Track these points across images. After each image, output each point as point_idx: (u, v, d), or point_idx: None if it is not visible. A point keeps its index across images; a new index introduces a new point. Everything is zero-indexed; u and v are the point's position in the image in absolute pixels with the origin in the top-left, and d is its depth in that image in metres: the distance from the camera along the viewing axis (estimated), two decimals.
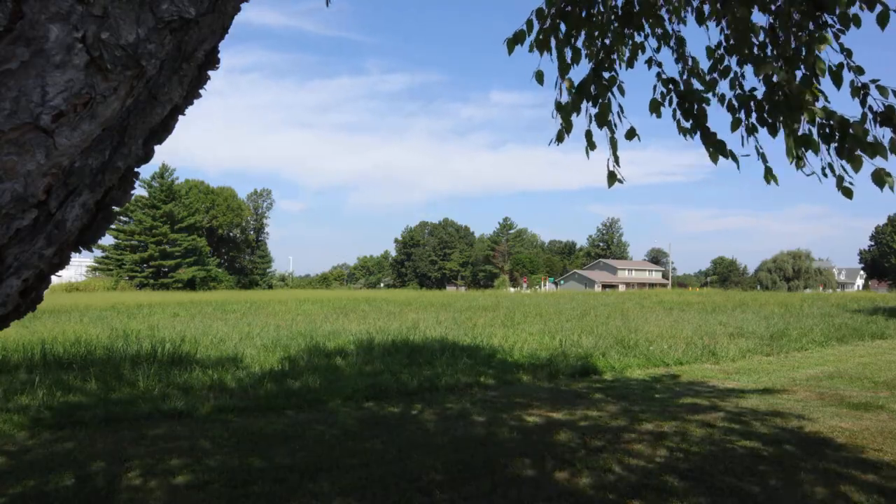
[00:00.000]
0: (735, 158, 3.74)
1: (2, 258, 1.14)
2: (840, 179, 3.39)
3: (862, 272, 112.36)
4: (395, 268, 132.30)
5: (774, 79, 3.54)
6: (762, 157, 3.91)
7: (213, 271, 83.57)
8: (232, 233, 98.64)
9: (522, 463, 5.29)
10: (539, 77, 3.99)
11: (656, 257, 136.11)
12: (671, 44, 4.21)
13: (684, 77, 4.07)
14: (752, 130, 3.83)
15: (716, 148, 3.72)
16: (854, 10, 3.50)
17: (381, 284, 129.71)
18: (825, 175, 3.48)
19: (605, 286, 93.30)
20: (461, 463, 5.27)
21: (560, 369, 10.18)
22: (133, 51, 1.12)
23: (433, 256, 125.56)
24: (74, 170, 1.18)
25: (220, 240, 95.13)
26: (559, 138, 4.03)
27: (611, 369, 10.77)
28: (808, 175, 3.57)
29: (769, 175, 3.87)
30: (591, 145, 3.96)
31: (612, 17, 4.05)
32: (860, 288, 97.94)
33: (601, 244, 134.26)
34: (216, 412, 7.17)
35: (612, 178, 3.79)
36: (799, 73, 3.62)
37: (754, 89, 3.81)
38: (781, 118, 3.58)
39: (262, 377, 9.10)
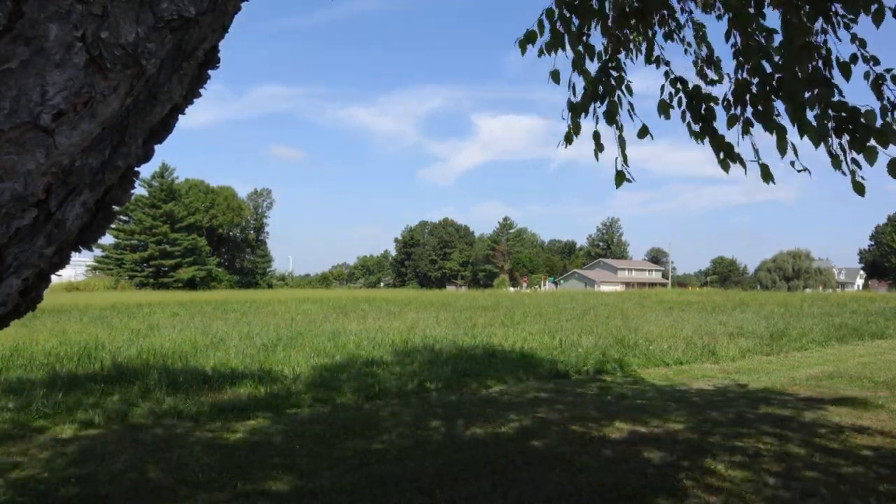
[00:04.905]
0: (743, 163, 3.62)
1: (2, 257, 1.14)
2: (853, 173, 3.19)
3: (862, 272, 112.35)
4: (395, 267, 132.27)
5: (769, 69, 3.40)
6: (756, 152, 3.67)
7: (213, 271, 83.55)
8: (232, 232, 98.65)
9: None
10: (555, 76, 3.91)
11: (656, 257, 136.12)
12: (681, 35, 4.15)
13: (696, 70, 4.01)
14: (747, 126, 3.65)
15: (726, 153, 3.61)
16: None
17: (381, 284, 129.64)
18: (836, 169, 3.22)
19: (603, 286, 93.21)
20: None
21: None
22: (133, 50, 1.12)
23: (433, 256, 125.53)
24: (74, 169, 1.18)
25: (220, 239, 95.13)
26: (568, 140, 4.00)
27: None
28: (799, 171, 3.40)
29: (766, 175, 3.58)
30: (598, 147, 3.93)
31: (627, 10, 3.95)
32: (860, 288, 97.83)
33: (601, 244, 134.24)
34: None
35: (620, 177, 3.67)
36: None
37: (750, 82, 3.63)
38: (779, 111, 3.42)
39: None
